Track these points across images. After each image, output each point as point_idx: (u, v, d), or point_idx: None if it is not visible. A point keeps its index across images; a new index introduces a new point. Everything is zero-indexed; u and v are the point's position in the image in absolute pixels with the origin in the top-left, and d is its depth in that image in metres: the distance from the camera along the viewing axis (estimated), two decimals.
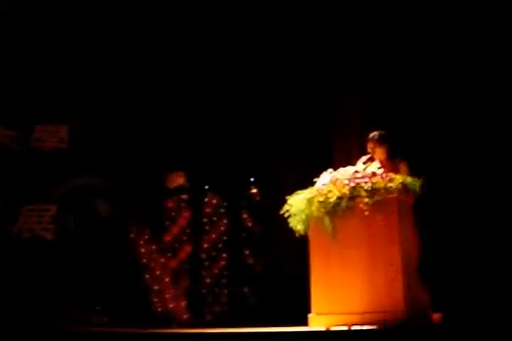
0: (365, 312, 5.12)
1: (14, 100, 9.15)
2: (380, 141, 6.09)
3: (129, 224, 9.18)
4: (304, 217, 5.57)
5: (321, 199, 5.44)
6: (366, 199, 5.25)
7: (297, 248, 5.98)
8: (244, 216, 9.20)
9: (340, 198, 5.36)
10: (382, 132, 6.13)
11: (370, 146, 6.11)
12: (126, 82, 9.16)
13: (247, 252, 9.07)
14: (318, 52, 8.49)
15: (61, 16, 8.92)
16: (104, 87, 9.16)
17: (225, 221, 9.23)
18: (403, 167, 5.95)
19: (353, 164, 5.87)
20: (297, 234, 5.61)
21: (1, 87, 9.02)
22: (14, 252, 8.74)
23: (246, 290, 8.88)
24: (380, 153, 6.09)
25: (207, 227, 9.20)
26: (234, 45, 8.91)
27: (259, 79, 8.96)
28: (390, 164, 5.99)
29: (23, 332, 6.01)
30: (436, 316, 5.51)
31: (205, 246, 9.14)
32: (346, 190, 5.37)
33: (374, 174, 5.43)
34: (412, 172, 5.77)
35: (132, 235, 9.16)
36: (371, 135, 6.14)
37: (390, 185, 5.28)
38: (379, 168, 5.70)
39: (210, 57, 9.05)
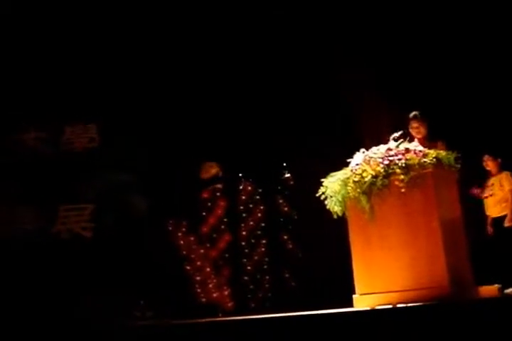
0: (409, 290, 5.09)
1: (43, 102, 9.22)
2: (423, 119, 6.11)
3: (166, 217, 9.22)
4: (340, 198, 5.53)
5: (356, 179, 5.40)
6: (401, 176, 5.19)
7: (336, 229, 5.95)
8: (280, 201, 9.19)
9: (375, 177, 5.31)
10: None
11: (414, 126, 6.12)
12: (153, 75, 9.15)
13: (285, 237, 9.06)
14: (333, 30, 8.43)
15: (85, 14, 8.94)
16: (130, 82, 9.17)
17: (261, 207, 9.23)
18: (440, 145, 5.89)
19: (384, 143, 5.80)
20: (335, 216, 5.58)
21: (30, 92, 9.11)
22: (56, 252, 8.85)
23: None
24: (423, 131, 6.07)
25: (244, 215, 9.22)
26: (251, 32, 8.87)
27: (287, 65, 8.90)
28: (428, 143, 5.93)
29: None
30: (490, 289, 5.45)
31: (244, 233, 9.17)
32: (380, 168, 5.31)
33: (407, 150, 5.36)
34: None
35: (170, 228, 9.21)
36: (413, 114, 6.13)
37: (424, 160, 5.21)
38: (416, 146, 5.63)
39: (237, 47, 9.02)
